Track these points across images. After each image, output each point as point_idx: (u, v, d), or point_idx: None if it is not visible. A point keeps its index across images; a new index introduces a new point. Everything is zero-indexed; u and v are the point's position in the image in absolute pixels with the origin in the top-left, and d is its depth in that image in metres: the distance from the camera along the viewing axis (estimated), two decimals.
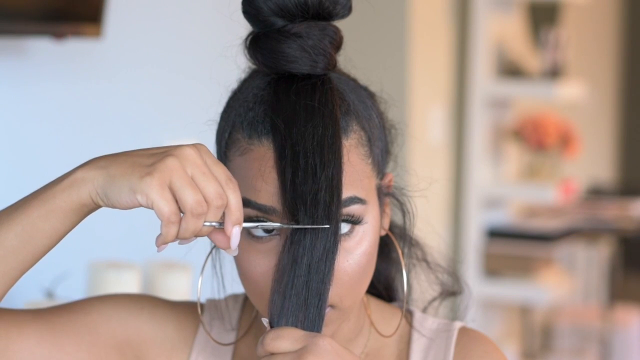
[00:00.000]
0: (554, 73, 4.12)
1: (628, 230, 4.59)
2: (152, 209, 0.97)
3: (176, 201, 0.98)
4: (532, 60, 4.44)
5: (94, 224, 1.45)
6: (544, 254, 4.08)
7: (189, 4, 2.50)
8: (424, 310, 1.27)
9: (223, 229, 1.01)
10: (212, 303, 1.23)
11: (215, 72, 1.36)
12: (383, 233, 1.16)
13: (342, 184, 1.05)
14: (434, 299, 1.28)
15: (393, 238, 1.20)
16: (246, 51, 1.11)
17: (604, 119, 6.02)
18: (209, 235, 1.01)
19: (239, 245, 1.05)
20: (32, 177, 2.09)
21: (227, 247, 1.02)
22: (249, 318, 1.21)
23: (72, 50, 2.14)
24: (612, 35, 6.10)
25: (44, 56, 2.09)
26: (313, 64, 1.08)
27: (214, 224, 1.00)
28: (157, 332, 1.18)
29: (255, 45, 1.10)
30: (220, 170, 1.00)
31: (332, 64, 1.10)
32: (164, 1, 2.42)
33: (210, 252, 1.18)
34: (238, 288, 1.15)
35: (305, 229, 1.04)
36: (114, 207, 1.00)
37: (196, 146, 1.01)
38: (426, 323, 1.21)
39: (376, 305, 1.22)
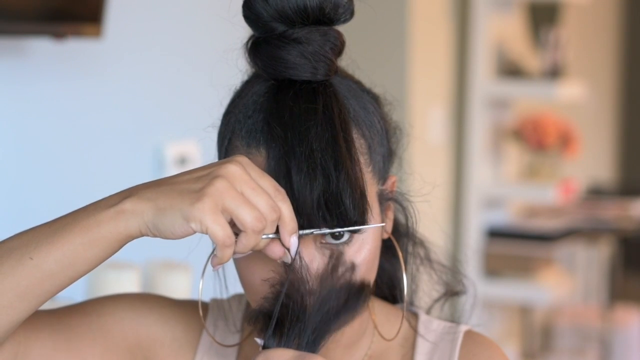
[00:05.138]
0: (554, 73, 4.12)
1: (628, 230, 4.59)
2: (207, 234, 0.96)
3: (231, 223, 0.97)
4: (532, 60, 4.44)
5: None
6: (544, 254, 4.08)
7: (189, 4, 2.49)
8: (429, 310, 1.26)
9: (277, 239, 1.00)
10: (217, 303, 1.23)
11: (216, 73, 1.35)
12: (386, 236, 1.15)
13: (364, 182, 1.05)
14: (438, 299, 1.27)
15: (395, 242, 1.19)
16: (247, 55, 1.10)
17: (604, 119, 6.02)
18: (264, 248, 1.01)
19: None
20: (32, 177, 2.08)
21: (283, 256, 1.01)
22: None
23: (72, 50, 2.14)
24: (612, 35, 6.10)
25: (44, 56, 2.09)
26: (313, 70, 1.06)
27: (270, 236, 0.99)
28: (167, 333, 1.17)
29: (255, 50, 1.08)
30: (267, 182, 0.99)
31: (333, 70, 1.08)
32: (164, 1, 2.42)
33: (212, 253, 1.17)
34: (240, 288, 1.14)
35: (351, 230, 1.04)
36: (166, 238, 0.98)
37: (239, 161, 0.99)
38: (431, 326, 1.20)
39: (380, 308, 1.21)
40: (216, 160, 1.14)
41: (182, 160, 2.40)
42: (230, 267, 1.17)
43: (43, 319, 1.12)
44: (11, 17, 1.87)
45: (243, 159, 1.00)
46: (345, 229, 1.04)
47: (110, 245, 1.00)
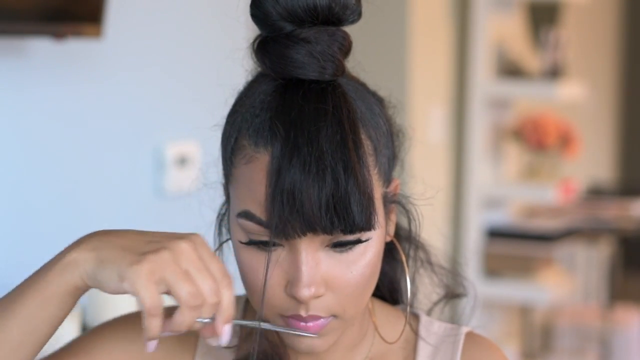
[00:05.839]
0: (554, 73, 4.12)
1: (628, 230, 4.59)
2: (137, 297, 0.95)
3: (166, 294, 0.96)
4: (532, 60, 4.44)
5: (93, 224, 1.45)
6: (544, 254, 4.08)
7: (189, 4, 2.49)
8: (429, 312, 1.26)
9: (212, 324, 1.00)
10: None
11: (220, 74, 1.35)
12: (388, 239, 1.15)
13: (372, 189, 1.04)
14: (438, 302, 1.26)
15: (398, 245, 1.19)
16: (253, 55, 1.09)
17: (604, 119, 6.02)
18: (199, 329, 1.00)
19: (244, 254, 1.06)
20: (32, 177, 2.08)
21: (215, 340, 1.01)
22: (251, 320, 1.20)
23: (72, 50, 2.13)
24: (612, 35, 6.10)
25: (44, 56, 2.09)
26: (321, 70, 1.05)
27: (205, 320, 0.99)
28: (160, 349, 1.16)
29: (262, 49, 1.07)
30: (215, 265, 0.99)
31: (340, 70, 1.08)
32: (164, 1, 2.42)
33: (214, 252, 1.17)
34: (239, 289, 1.14)
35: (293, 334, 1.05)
36: (103, 291, 0.98)
37: (192, 239, 0.99)
38: (432, 328, 1.20)
39: (381, 310, 1.21)
40: (218, 160, 1.13)
41: (182, 161, 2.40)
42: (229, 267, 1.17)
43: None
44: (11, 17, 1.87)
45: (198, 239, 1.00)
46: (306, 333, 1.05)
47: (63, 301, 0.99)
